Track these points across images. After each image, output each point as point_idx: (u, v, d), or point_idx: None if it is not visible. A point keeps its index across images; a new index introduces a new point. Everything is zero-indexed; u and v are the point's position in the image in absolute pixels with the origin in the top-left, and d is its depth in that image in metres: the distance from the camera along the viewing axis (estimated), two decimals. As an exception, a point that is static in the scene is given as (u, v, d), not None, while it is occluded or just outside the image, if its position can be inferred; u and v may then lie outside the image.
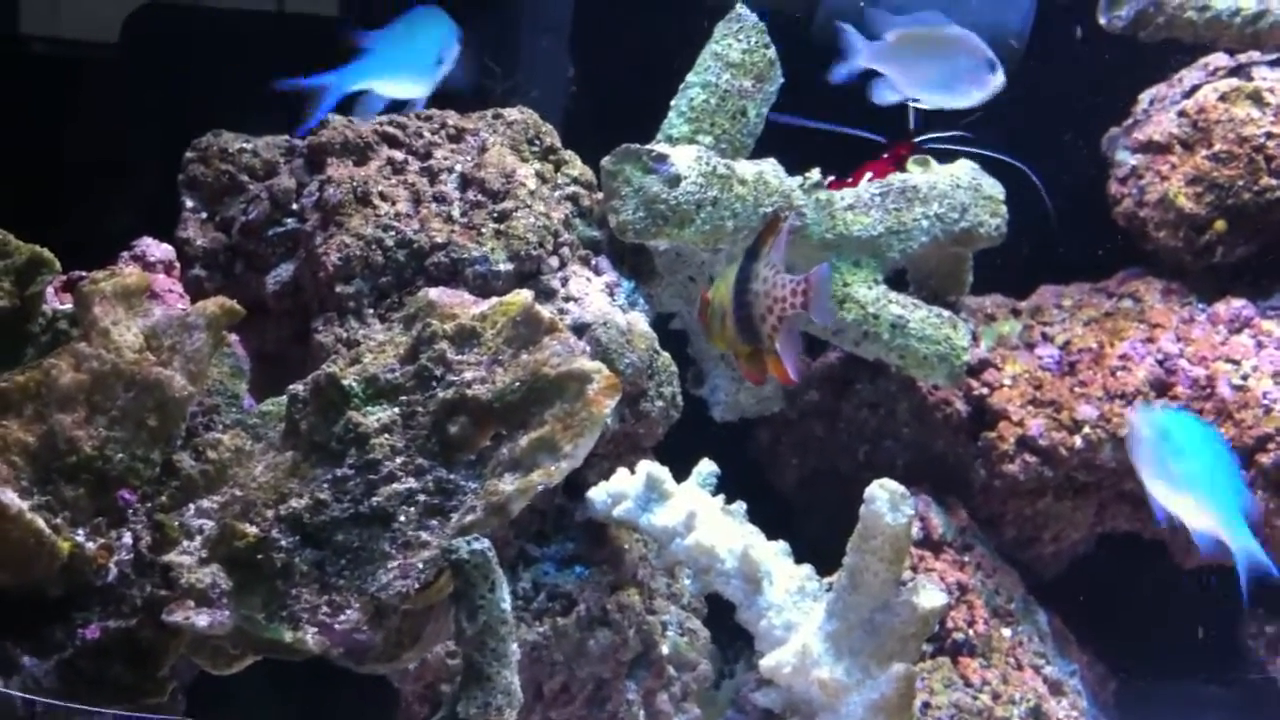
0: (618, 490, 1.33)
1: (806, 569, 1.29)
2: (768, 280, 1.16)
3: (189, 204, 1.45)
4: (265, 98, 1.43)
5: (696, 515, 1.30)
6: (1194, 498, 1.23)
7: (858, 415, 1.65)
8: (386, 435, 1.02)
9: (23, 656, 0.95)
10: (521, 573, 1.35)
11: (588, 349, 1.10)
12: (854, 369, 1.66)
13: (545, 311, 1.07)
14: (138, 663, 0.96)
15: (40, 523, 0.90)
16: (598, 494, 1.34)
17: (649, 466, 1.32)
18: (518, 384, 1.03)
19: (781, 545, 1.30)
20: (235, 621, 0.92)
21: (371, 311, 1.36)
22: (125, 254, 1.34)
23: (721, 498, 1.33)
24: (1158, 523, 1.27)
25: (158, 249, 1.33)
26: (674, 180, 1.43)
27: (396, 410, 1.04)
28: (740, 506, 1.32)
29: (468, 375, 1.04)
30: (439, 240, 1.37)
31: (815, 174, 1.56)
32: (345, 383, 1.04)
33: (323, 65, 1.37)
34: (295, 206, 1.43)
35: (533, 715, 1.33)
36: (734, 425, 1.63)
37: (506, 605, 0.93)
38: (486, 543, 0.92)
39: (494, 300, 1.11)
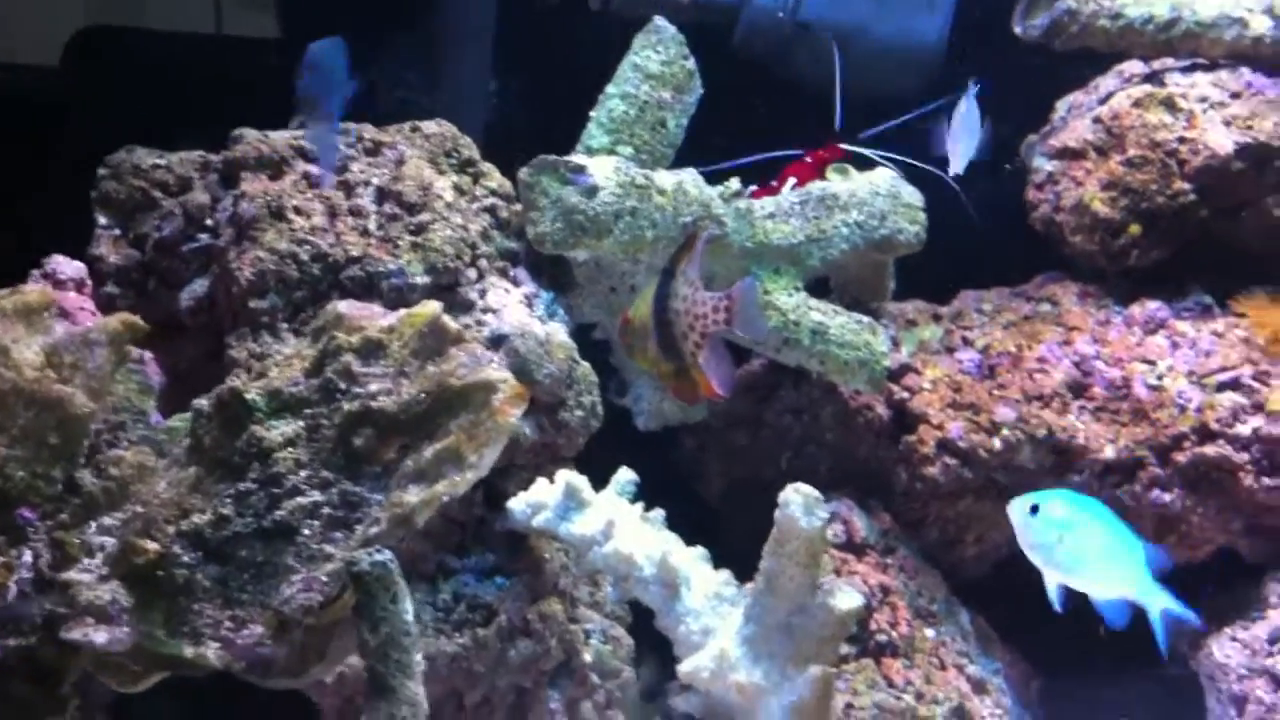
0: (536, 500, 1.33)
1: (724, 574, 1.30)
2: (687, 298, 1.16)
3: (102, 221, 1.44)
4: (203, 120, 1.44)
5: (615, 523, 1.30)
6: (1094, 571, 1.23)
7: (780, 422, 1.66)
8: (290, 449, 1.02)
9: (-82, 679, 0.94)
10: (441, 585, 1.35)
11: (496, 359, 1.11)
12: (777, 376, 1.67)
13: (452, 322, 1.07)
14: (39, 681, 0.94)
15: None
16: (517, 504, 1.33)
17: (567, 475, 1.33)
18: (423, 395, 1.03)
19: (700, 551, 1.31)
20: (134, 638, 0.91)
21: (286, 326, 1.35)
22: (36, 272, 1.33)
23: (640, 505, 1.34)
24: (1056, 612, 1.27)
25: (68, 266, 1.32)
26: (591, 191, 1.44)
27: (301, 424, 1.04)
28: (659, 514, 1.33)
29: (373, 387, 1.04)
30: (354, 254, 1.37)
31: (734, 183, 1.58)
32: (249, 396, 1.03)
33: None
34: (209, 222, 1.42)
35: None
36: (659, 434, 1.64)
37: (409, 617, 0.93)
38: (389, 554, 0.92)
39: (402, 312, 1.11)
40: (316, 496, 1.00)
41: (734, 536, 1.59)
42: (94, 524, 1.01)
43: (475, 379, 1.03)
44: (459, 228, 1.41)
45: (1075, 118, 1.80)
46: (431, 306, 1.09)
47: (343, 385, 1.04)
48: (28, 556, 0.99)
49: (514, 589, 1.36)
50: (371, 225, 1.41)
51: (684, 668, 1.24)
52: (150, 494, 1.03)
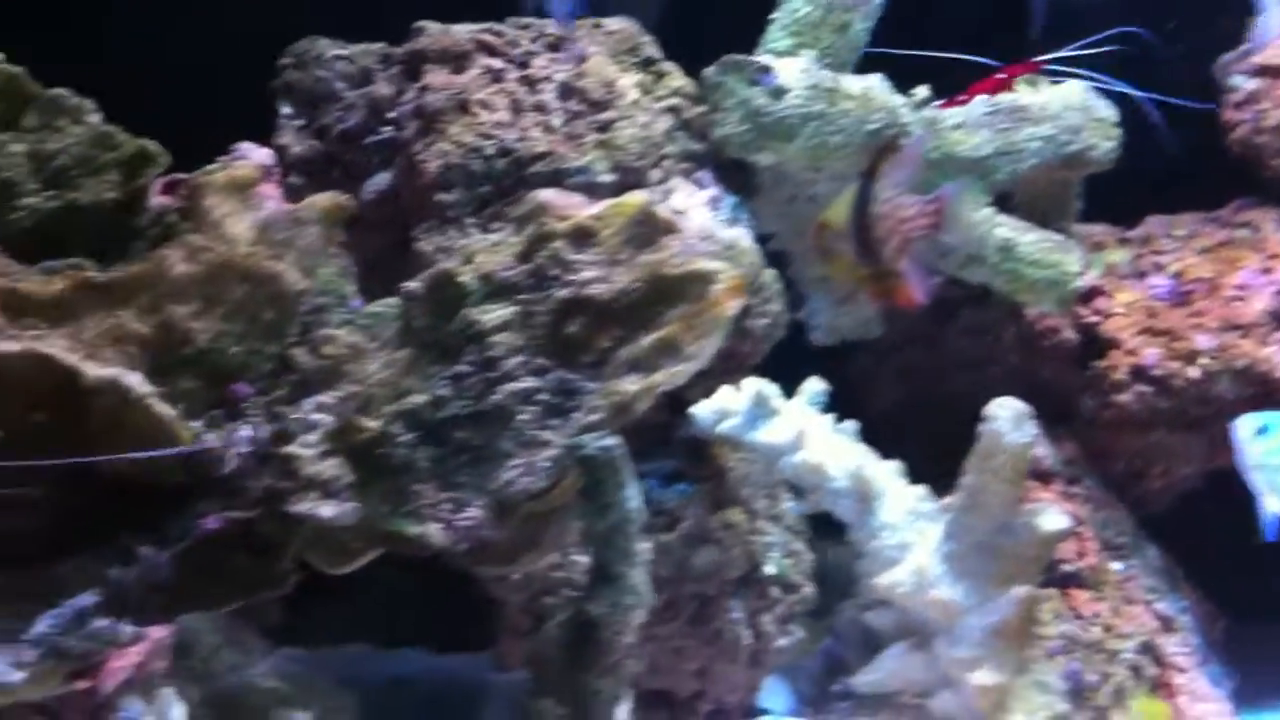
0: (723, 407, 1.30)
1: (921, 490, 1.26)
2: (891, 201, 1.12)
3: (285, 110, 1.43)
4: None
5: (805, 433, 1.26)
6: None
7: (959, 342, 1.60)
8: (505, 334, 0.99)
9: (141, 547, 0.93)
10: (622, 489, 1.33)
11: (709, 249, 1.07)
12: (957, 294, 1.61)
13: (664, 212, 1.03)
14: (259, 554, 0.94)
15: (165, 409, 0.88)
16: (703, 410, 1.30)
17: (757, 383, 1.29)
18: (637, 284, 1.00)
19: (895, 465, 1.27)
20: (361, 513, 0.90)
21: (471, 220, 1.33)
22: (223, 158, 1.32)
23: (831, 416, 1.29)
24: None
25: (258, 153, 1.31)
26: (778, 93, 1.39)
27: (514, 309, 1.01)
28: (851, 425, 1.29)
29: (585, 275, 1.01)
30: (539, 149, 1.34)
31: (922, 91, 1.51)
32: (462, 279, 1.01)
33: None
34: (392, 115, 1.40)
35: (634, 632, 1.31)
36: (831, 349, 1.59)
37: (636, 504, 0.90)
38: (617, 439, 0.89)
39: (608, 202, 1.07)
40: (532, 382, 0.98)
41: (902, 456, 1.54)
42: (309, 402, 1.00)
43: (692, 269, 0.99)
44: (644, 126, 1.37)
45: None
46: (641, 196, 1.05)
47: (554, 271, 1.01)
48: (245, 431, 0.98)
49: (696, 496, 1.33)
50: (555, 122, 1.38)
51: (882, 581, 1.20)
52: (363, 374, 1.01)
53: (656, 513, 1.33)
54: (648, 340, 0.97)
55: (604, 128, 1.36)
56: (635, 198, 1.04)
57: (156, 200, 1.10)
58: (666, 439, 1.37)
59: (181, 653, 0.96)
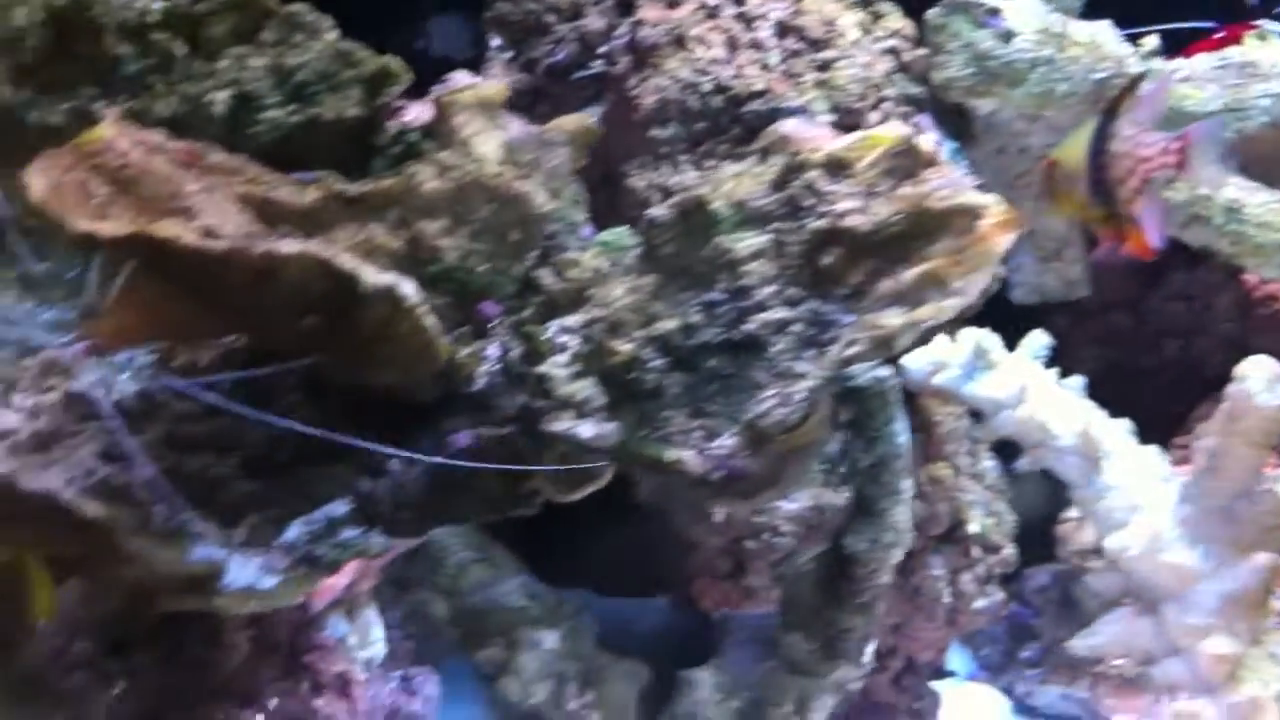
0: (939, 358, 1.25)
1: (1153, 450, 1.20)
2: (1131, 139, 1.07)
3: (495, 42, 1.42)
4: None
5: (1029, 387, 1.22)
6: None
7: (1167, 307, 1.54)
8: (757, 262, 0.97)
9: (390, 461, 0.93)
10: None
11: (974, 183, 1.02)
12: (1167, 256, 1.53)
13: (927, 144, 0.99)
14: (508, 473, 0.93)
15: (432, 320, 0.87)
16: (916, 361, 1.26)
17: (976, 333, 1.25)
18: (898, 216, 0.96)
19: (1124, 423, 1.21)
20: (620, 435, 0.88)
21: (685, 157, 1.31)
22: (436, 88, 1.31)
23: (1055, 371, 1.25)
24: None
25: (473, 83, 1.29)
26: (1006, 36, 1.34)
27: (766, 238, 0.98)
28: (1078, 381, 1.23)
29: (841, 206, 0.98)
30: (756, 88, 1.30)
31: (1152, 42, 1.44)
32: (713, 206, 0.98)
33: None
34: (604, 49, 1.38)
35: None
36: (1026, 310, 1.54)
37: (904, 439, 0.87)
38: (890, 371, 0.86)
39: (857, 134, 1.04)
40: (785, 313, 0.95)
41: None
42: (555, 324, 0.98)
43: (958, 202, 0.95)
44: (864, 67, 1.33)
45: None
46: (899, 128, 1.01)
47: (809, 201, 0.98)
48: (493, 349, 0.97)
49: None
50: (773, 60, 1.34)
51: (1110, 543, 1.15)
52: (608, 299, 0.99)
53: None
54: (911, 274, 0.93)
55: (823, 67, 1.33)
56: (892, 129, 1.00)
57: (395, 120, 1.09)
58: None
59: (431, 567, 0.96)
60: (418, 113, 1.14)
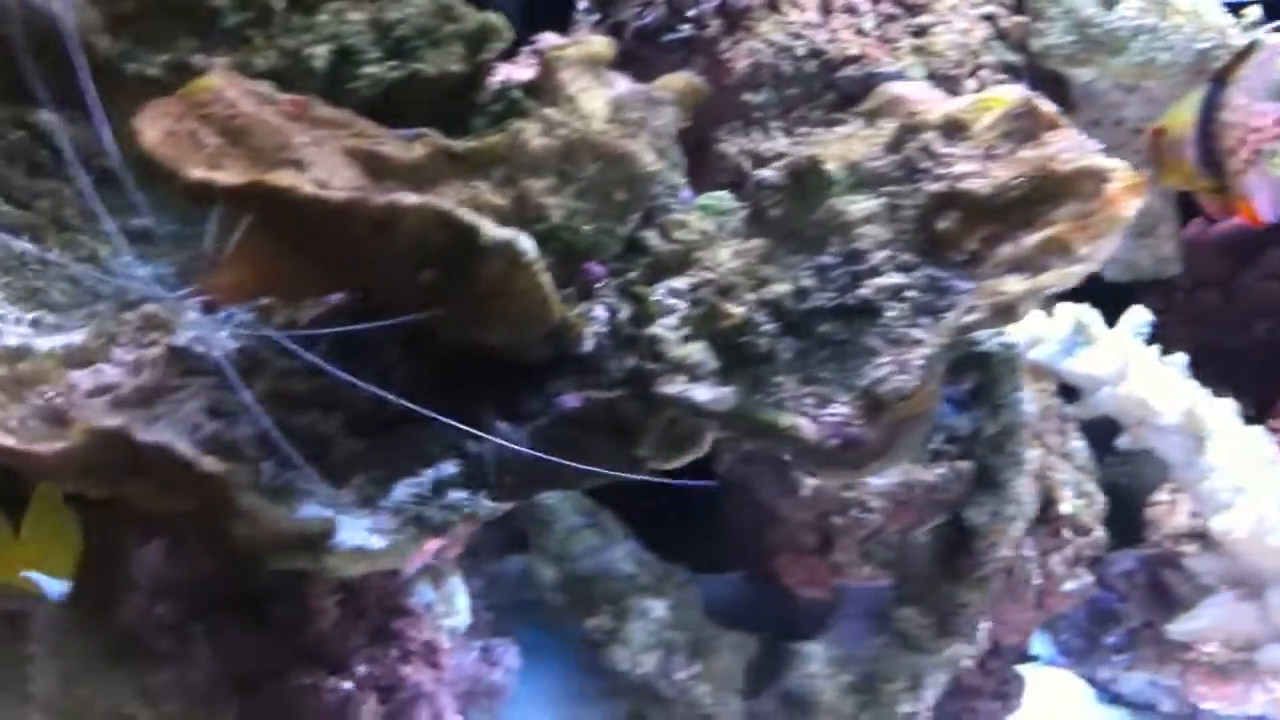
0: (1037, 333, 1.22)
1: (1258, 431, 1.17)
2: (1243, 109, 1.04)
3: (582, 5, 1.39)
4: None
5: (1130, 364, 1.19)
6: None
7: (1262, 286, 1.50)
8: (871, 225, 0.94)
9: (497, 421, 0.91)
10: (919, 412, 1.27)
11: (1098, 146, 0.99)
12: (1262, 233, 1.50)
13: (1048, 105, 0.96)
14: (618, 435, 0.91)
15: (548, 277, 0.85)
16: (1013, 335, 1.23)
17: (1075, 309, 1.22)
18: (1019, 180, 0.93)
19: (1229, 403, 1.18)
20: (736, 399, 0.86)
21: (777, 124, 1.28)
22: (525, 49, 1.29)
23: (1157, 348, 1.22)
24: None
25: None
26: (1109, 3, 1.31)
27: (880, 201, 0.95)
28: (1180, 359, 1.20)
29: (959, 169, 0.95)
30: (851, 52, 1.28)
31: (1255, 12, 1.40)
32: (826, 168, 0.96)
33: None
34: (693, 12, 1.36)
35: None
36: (1121, 288, 1.50)
37: (1028, 408, 0.84)
38: (1018, 338, 0.83)
39: (971, 96, 1.01)
40: (900, 279, 0.92)
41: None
42: (662, 286, 0.96)
43: (1084, 165, 0.92)
44: (962, 33, 1.30)
45: None
46: (1018, 89, 0.98)
47: (924, 164, 0.95)
48: (600, 311, 0.95)
49: (994, 425, 1.27)
50: (868, 24, 1.31)
51: (1216, 525, 1.12)
52: (715, 261, 0.97)
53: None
54: (1033, 239, 0.90)
55: (920, 32, 1.30)
56: (1011, 90, 0.98)
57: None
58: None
59: (540, 531, 0.94)
60: (508, 71, 1.12)
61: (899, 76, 1.26)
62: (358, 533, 0.86)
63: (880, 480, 1.26)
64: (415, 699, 1.15)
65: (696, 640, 0.92)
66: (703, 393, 0.86)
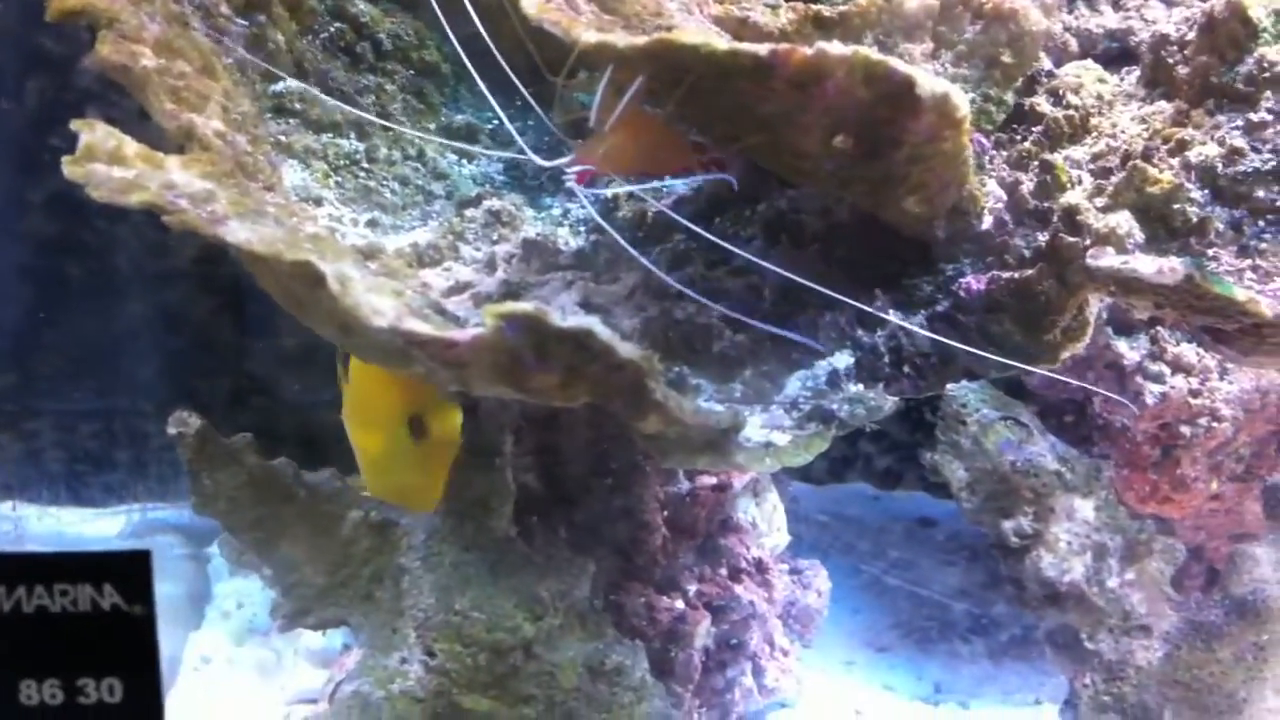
0: None
1: None
2: None
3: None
4: None
5: None
6: None
7: None
8: (1310, 77, 0.83)
9: (889, 309, 0.83)
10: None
11: None
12: None
13: None
14: (1030, 320, 0.82)
15: (968, 143, 0.76)
16: None
17: None
18: None
19: None
20: (1187, 270, 0.76)
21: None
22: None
23: None
24: None
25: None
26: None
27: (1315, 49, 0.84)
28: None
29: None
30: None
31: None
32: (1253, 14, 0.85)
33: None
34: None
35: (1284, 471, 1.15)
36: None
37: None
38: None
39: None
40: (1348, 134, 0.82)
41: None
42: (1059, 155, 0.87)
43: None
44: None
45: None
46: None
47: (1364, 5, 0.84)
48: (993, 185, 0.86)
49: None
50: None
51: None
52: (1113, 128, 0.87)
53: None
54: None
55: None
56: None
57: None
58: None
59: (950, 426, 0.86)
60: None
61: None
62: (756, 428, 0.79)
63: (1230, 385, 1.16)
64: (747, 620, 1.08)
65: (1128, 544, 0.83)
66: (1146, 264, 0.77)
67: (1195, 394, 1.14)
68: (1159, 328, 1.14)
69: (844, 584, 1.34)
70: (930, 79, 0.72)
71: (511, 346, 0.70)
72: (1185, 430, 1.15)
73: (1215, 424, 1.14)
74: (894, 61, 0.72)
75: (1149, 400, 1.14)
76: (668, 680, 1.03)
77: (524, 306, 0.68)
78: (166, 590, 1.23)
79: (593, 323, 0.69)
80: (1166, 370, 1.14)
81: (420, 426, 0.95)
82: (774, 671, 1.11)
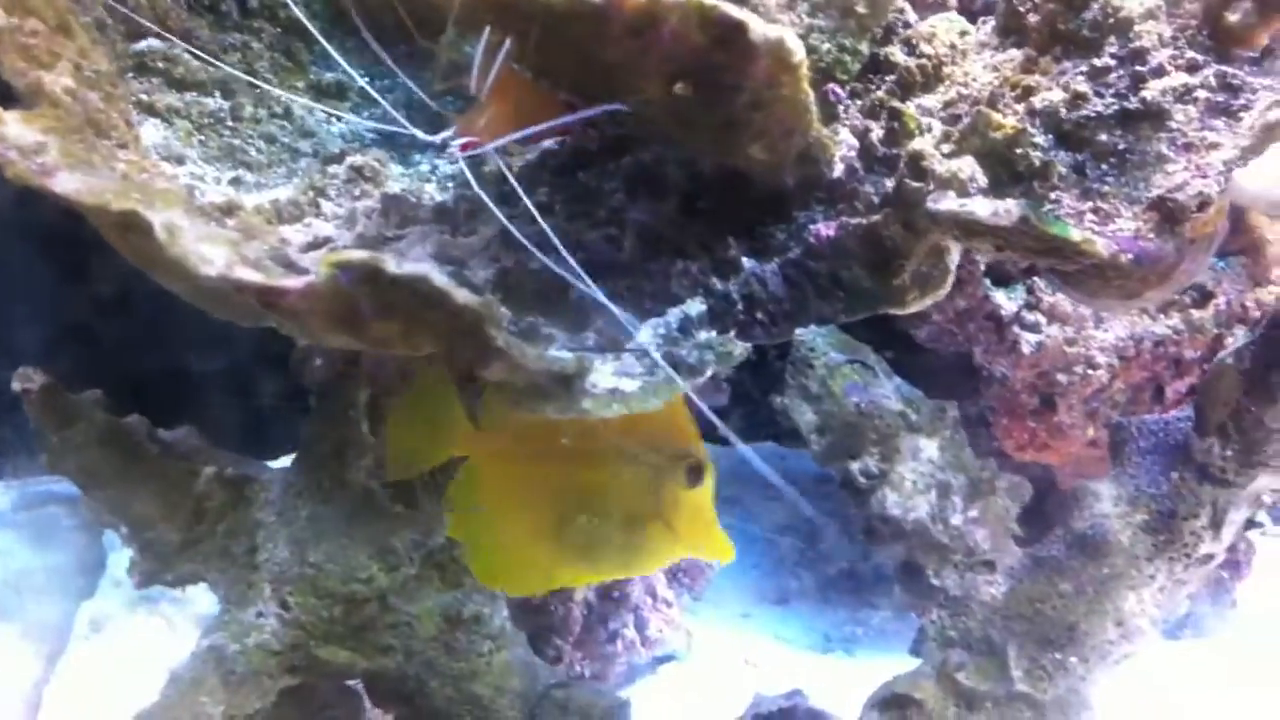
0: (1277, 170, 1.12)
1: None
2: None
3: None
4: None
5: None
6: None
7: None
8: (1152, 22, 0.85)
9: (743, 257, 0.84)
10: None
11: None
12: None
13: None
14: (877, 265, 0.83)
15: (809, 91, 0.77)
16: (1246, 176, 1.13)
17: (1326, 136, 1.11)
18: (1319, -38, 0.83)
19: None
20: (1022, 211, 0.77)
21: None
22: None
23: None
24: None
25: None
26: None
27: (1158, -4, 0.86)
28: None
29: (1246, -43, 0.85)
30: None
31: None
32: (1097, -38, 0.86)
33: None
34: None
35: (1154, 409, 1.18)
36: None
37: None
38: None
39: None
40: (1186, 78, 0.83)
41: None
42: (912, 104, 0.88)
43: (1395, -60, 0.82)
44: None
45: None
46: None
47: (1204, -46, 0.85)
48: (845, 134, 0.87)
49: (1232, 271, 1.17)
50: None
51: None
52: (968, 75, 0.88)
53: (1190, 286, 1.18)
54: (1343, 25, 0.81)
55: None
56: None
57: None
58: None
59: (798, 370, 0.87)
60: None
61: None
62: (606, 375, 0.80)
63: (1105, 333, 1.18)
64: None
65: (972, 482, 0.85)
66: (983, 207, 0.78)
67: (1071, 342, 1.16)
68: (1035, 278, 1.16)
69: (747, 542, 1.35)
70: (763, 24, 0.73)
71: (347, 294, 0.70)
72: (1061, 378, 1.17)
73: (1091, 371, 1.17)
74: (726, 6, 0.72)
75: (1025, 350, 1.16)
76: (548, 633, 1.04)
77: (358, 254, 0.69)
78: (54, 560, 1.23)
79: (428, 269, 0.70)
80: (1043, 319, 1.16)
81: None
82: (657, 623, 1.12)
